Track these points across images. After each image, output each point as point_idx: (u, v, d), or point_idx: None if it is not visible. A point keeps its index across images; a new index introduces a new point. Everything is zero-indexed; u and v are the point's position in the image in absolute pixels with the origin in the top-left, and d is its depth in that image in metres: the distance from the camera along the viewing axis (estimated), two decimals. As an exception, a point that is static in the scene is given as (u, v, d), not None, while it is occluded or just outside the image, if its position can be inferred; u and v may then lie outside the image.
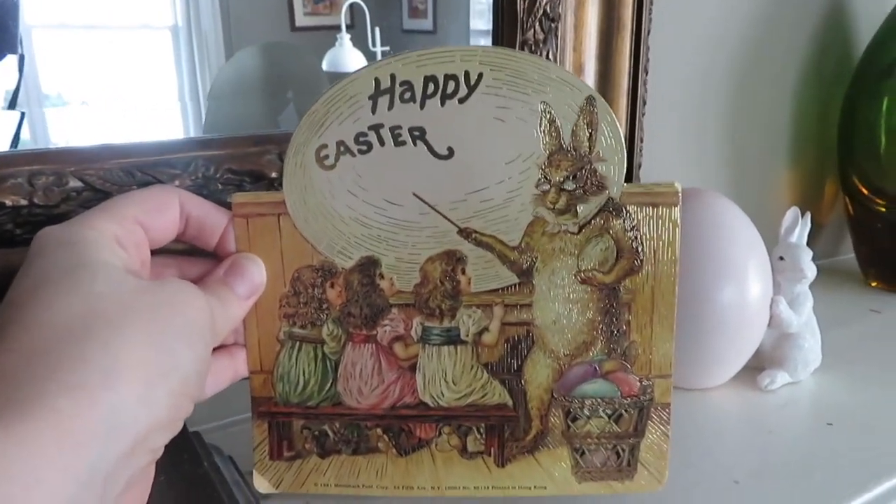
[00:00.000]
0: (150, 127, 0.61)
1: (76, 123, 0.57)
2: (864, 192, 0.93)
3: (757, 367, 0.67)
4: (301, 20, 0.66)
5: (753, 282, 0.62)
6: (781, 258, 0.67)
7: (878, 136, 0.91)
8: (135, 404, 0.30)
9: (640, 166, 0.69)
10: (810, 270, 0.66)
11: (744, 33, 0.88)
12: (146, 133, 0.57)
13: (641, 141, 0.67)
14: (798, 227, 0.68)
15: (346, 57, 0.66)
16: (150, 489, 0.37)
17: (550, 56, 0.60)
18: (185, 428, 0.47)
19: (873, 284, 0.96)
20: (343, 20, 0.66)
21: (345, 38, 0.66)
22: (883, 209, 0.92)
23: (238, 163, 0.52)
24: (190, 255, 0.43)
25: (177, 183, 0.49)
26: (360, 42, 0.66)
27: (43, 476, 0.26)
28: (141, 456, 0.32)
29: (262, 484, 0.47)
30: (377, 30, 0.67)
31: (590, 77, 0.63)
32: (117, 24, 0.58)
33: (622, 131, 0.41)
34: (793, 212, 0.69)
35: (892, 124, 0.89)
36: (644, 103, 0.66)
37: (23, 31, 0.53)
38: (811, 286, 0.67)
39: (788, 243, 0.68)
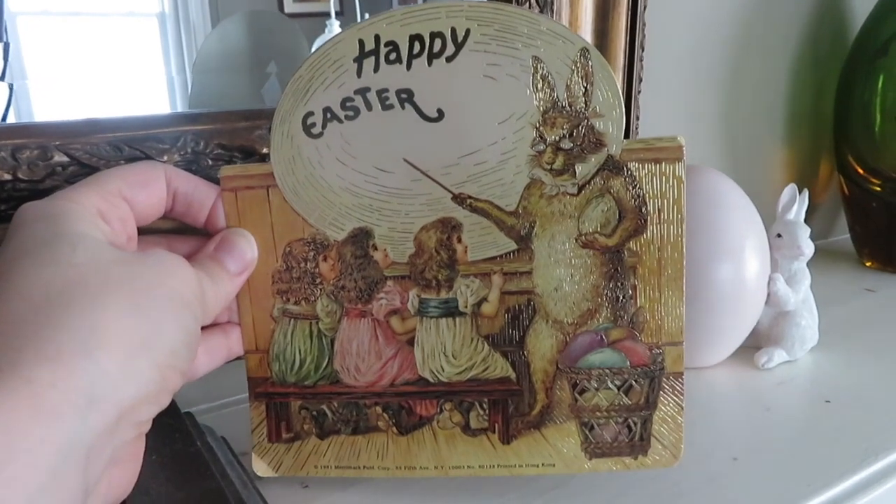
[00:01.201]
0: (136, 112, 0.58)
1: (62, 110, 0.54)
2: (860, 171, 0.89)
3: (754, 345, 0.63)
4: (290, 6, 0.63)
5: (751, 259, 0.58)
6: (779, 235, 0.63)
7: (873, 115, 0.87)
8: (117, 375, 0.28)
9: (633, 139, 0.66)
10: (808, 248, 0.62)
11: (740, 10, 0.85)
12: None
13: (637, 118, 0.64)
14: (796, 205, 0.64)
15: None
16: (140, 466, 0.34)
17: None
18: (177, 408, 0.45)
19: (868, 264, 0.93)
20: (332, 7, 0.64)
21: (334, 24, 0.63)
22: (878, 189, 0.88)
23: (227, 138, 0.48)
24: (180, 233, 0.40)
25: (165, 158, 0.46)
26: (349, 29, 0.63)
27: (19, 448, 0.24)
28: (126, 429, 0.30)
29: (261, 467, 0.43)
30: (366, 16, 0.63)
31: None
32: (103, 11, 0.56)
33: (619, 86, 0.37)
34: (790, 189, 0.65)
35: (887, 103, 0.85)
36: (640, 80, 0.62)
37: (7, 18, 0.50)
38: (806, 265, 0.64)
39: (786, 220, 0.64)
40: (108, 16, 0.56)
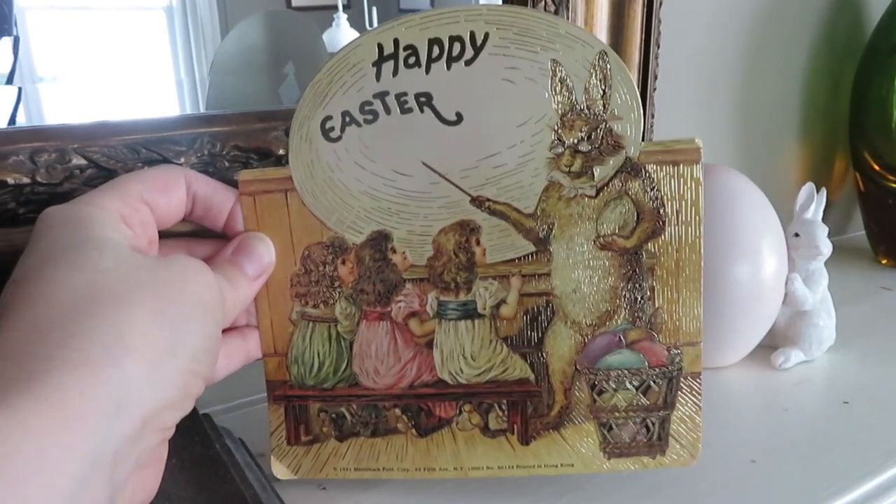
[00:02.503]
0: (146, 108, 0.58)
1: (71, 104, 0.55)
2: (875, 168, 0.90)
3: (771, 345, 0.64)
4: (298, 0, 0.63)
5: (768, 259, 0.58)
6: (796, 235, 0.64)
7: (889, 111, 0.87)
8: (143, 382, 0.28)
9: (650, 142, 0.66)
10: (826, 247, 0.63)
11: (755, 8, 0.85)
12: (143, 113, 0.54)
13: (652, 116, 0.64)
14: (813, 204, 0.65)
15: (344, 37, 0.63)
16: (163, 470, 0.35)
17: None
18: (195, 410, 0.45)
19: (883, 262, 0.92)
20: (339, 0, 0.64)
21: (342, 17, 0.64)
22: (894, 185, 0.88)
23: (244, 139, 0.49)
24: (199, 236, 0.41)
25: (182, 160, 0.46)
26: (357, 22, 0.64)
27: (48, 456, 0.25)
28: (151, 435, 0.30)
29: (280, 470, 0.44)
30: (374, 9, 0.64)
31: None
32: (111, 5, 0.56)
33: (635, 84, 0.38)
34: (808, 188, 0.65)
35: (903, 99, 0.86)
36: (655, 78, 0.63)
37: (16, 12, 0.51)
38: (823, 262, 0.64)
39: (804, 220, 0.64)
40: (116, 10, 0.57)
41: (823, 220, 0.65)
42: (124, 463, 0.28)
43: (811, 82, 0.95)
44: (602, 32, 0.60)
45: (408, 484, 0.45)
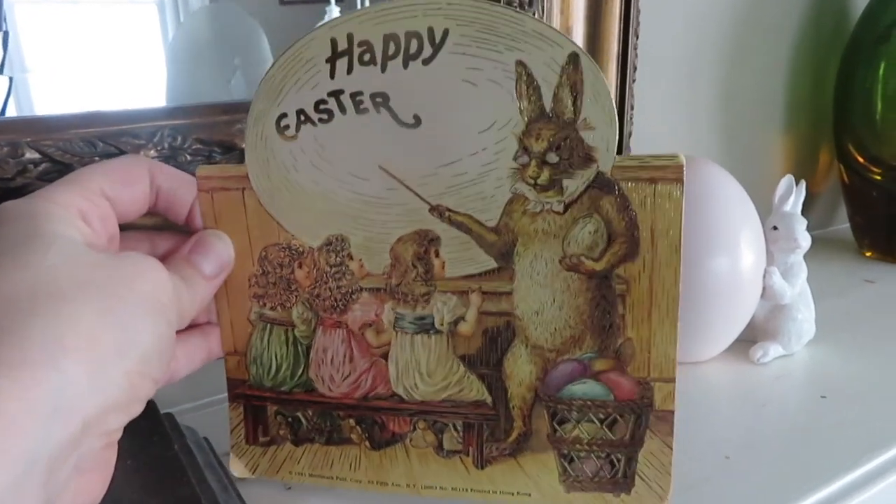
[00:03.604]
0: (137, 102, 0.52)
1: (63, 101, 0.49)
2: (860, 160, 0.83)
3: (749, 339, 0.58)
4: (289, -7, 0.57)
5: (746, 252, 0.53)
6: (775, 228, 0.58)
7: (874, 102, 0.80)
8: (84, 384, 0.25)
9: (630, 135, 0.59)
10: (805, 240, 0.57)
11: (737, -2, 0.78)
12: (131, 105, 0.49)
13: (632, 108, 0.58)
14: (792, 196, 0.59)
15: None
16: (111, 474, 0.30)
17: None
18: (156, 409, 0.41)
19: (867, 254, 0.86)
20: (331, -8, 0.57)
21: (334, 11, 0.58)
22: (878, 177, 0.82)
23: (207, 132, 0.43)
24: (162, 230, 0.36)
25: (141, 154, 0.41)
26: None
27: None
28: (93, 439, 0.27)
29: (238, 468, 0.39)
30: (366, 4, 0.57)
31: (577, 41, 0.53)
32: (102, -1, 0.50)
33: (613, 94, 0.32)
34: (787, 180, 0.59)
35: (888, 90, 0.78)
36: (634, 69, 0.57)
37: (6, 6, 0.45)
38: (804, 256, 0.59)
39: (782, 212, 0.58)
40: (108, 3, 0.51)
41: (808, 212, 0.58)
42: (62, 468, 0.25)
43: (795, 73, 0.88)
44: (579, 22, 0.53)
45: (367, 496, 0.40)
